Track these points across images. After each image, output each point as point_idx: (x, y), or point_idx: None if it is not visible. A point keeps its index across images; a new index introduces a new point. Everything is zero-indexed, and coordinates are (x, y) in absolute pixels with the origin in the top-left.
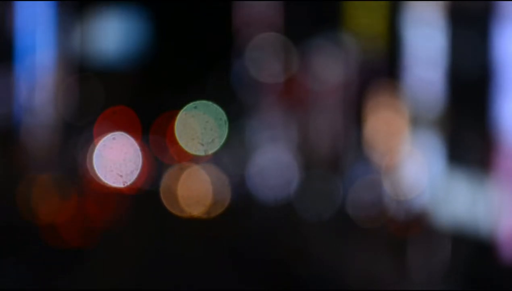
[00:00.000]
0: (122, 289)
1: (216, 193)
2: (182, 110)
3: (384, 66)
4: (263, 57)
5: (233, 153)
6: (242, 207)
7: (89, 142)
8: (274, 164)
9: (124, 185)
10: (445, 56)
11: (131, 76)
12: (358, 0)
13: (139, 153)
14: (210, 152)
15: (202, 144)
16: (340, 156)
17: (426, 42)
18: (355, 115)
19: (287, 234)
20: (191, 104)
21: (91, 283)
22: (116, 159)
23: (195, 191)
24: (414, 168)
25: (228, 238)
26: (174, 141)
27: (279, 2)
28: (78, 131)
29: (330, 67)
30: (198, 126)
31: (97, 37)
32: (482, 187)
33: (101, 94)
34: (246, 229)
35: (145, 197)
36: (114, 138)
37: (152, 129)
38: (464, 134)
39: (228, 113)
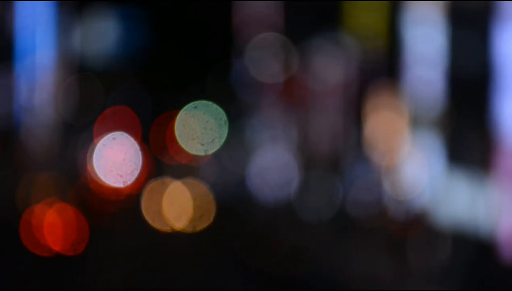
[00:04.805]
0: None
1: (199, 207)
2: (182, 110)
3: (384, 66)
4: (263, 57)
5: (233, 153)
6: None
7: (89, 142)
8: (274, 164)
9: (124, 185)
10: (445, 56)
11: (131, 76)
12: (358, 0)
13: (139, 153)
14: (210, 152)
15: (202, 144)
16: (340, 156)
17: (426, 42)
18: (355, 115)
19: (287, 234)
20: (191, 104)
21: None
22: (116, 159)
23: (177, 205)
24: (414, 168)
25: (226, 238)
26: (174, 141)
27: (279, 2)
28: (78, 131)
29: (330, 67)
30: (198, 126)
31: (97, 37)
32: (482, 187)
33: (101, 94)
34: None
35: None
36: (114, 138)
37: (152, 129)
38: (464, 134)
39: (228, 113)
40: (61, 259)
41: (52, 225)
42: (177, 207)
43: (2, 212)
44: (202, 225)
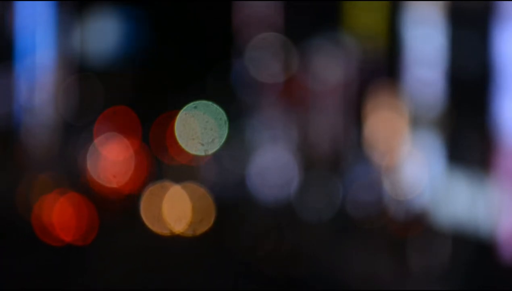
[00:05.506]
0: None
1: (199, 210)
2: (182, 110)
3: (384, 66)
4: (263, 57)
5: (233, 153)
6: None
7: (89, 142)
8: (274, 164)
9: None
10: (445, 56)
11: (131, 76)
12: (358, 0)
13: (137, 154)
14: (210, 152)
15: (202, 144)
16: (340, 156)
17: (426, 42)
18: (355, 115)
19: (287, 234)
20: (191, 104)
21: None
22: (114, 159)
23: (176, 208)
24: (414, 168)
25: (226, 238)
26: (174, 142)
27: (279, 2)
28: (78, 131)
29: (330, 67)
30: (198, 126)
31: (96, 37)
32: (482, 187)
33: (101, 94)
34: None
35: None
36: (113, 139)
37: (152, 129)
38: (464, 134)
39: (228, 113)
40: (61, 258)
41: (61, 216)
42: (176, 210)
43: (1, 212)
44: (202, 229)
